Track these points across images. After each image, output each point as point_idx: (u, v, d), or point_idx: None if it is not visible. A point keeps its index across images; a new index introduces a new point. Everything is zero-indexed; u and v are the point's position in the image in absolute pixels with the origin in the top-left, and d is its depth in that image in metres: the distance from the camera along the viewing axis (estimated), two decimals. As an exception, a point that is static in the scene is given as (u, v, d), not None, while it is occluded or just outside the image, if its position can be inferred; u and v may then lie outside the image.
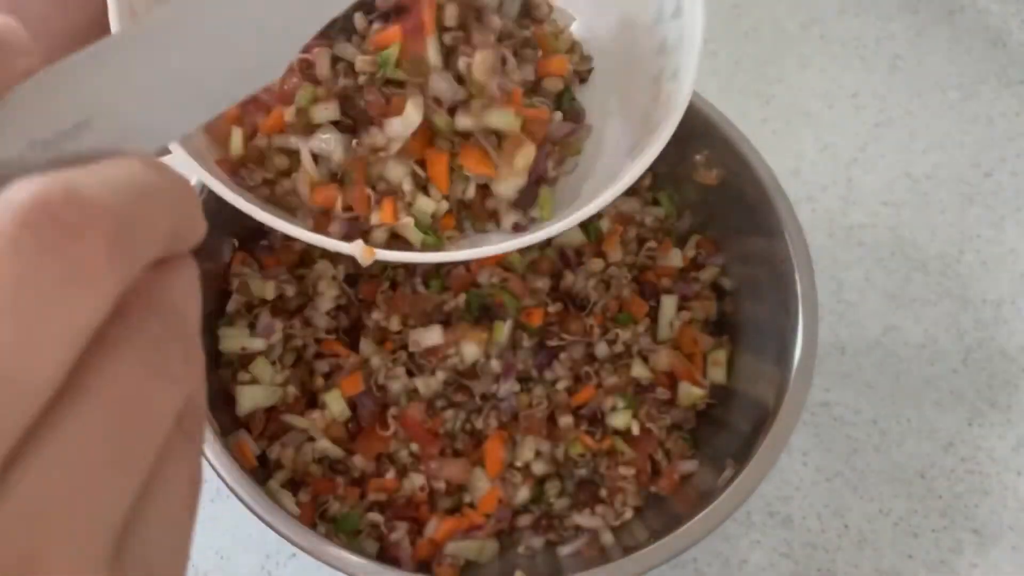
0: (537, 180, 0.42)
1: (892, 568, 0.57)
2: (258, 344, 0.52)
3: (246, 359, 0.52)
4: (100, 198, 0.16)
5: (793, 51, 0.74)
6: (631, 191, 0.59)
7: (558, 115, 0.43)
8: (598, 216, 0.57)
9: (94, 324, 0.16)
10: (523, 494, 0.52)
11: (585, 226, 0.57)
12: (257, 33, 0.22)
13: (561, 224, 0.38)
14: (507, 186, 0.41)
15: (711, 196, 0.55)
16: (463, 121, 0.39)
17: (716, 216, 0.57)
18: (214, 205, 0.36)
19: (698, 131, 0.53)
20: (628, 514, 0.52)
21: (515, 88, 0.40)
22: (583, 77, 0.46)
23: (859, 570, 0.56)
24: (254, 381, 0.51)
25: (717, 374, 0.55)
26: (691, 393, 0.54)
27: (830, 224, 0.67)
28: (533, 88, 0.44)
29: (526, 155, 0.40)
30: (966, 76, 0.73)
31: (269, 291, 0.53)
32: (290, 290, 0.54)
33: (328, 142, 0.39)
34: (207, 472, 0.44)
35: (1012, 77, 0.73)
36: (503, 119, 0.39)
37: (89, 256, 0.15)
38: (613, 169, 0.42)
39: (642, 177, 0.60)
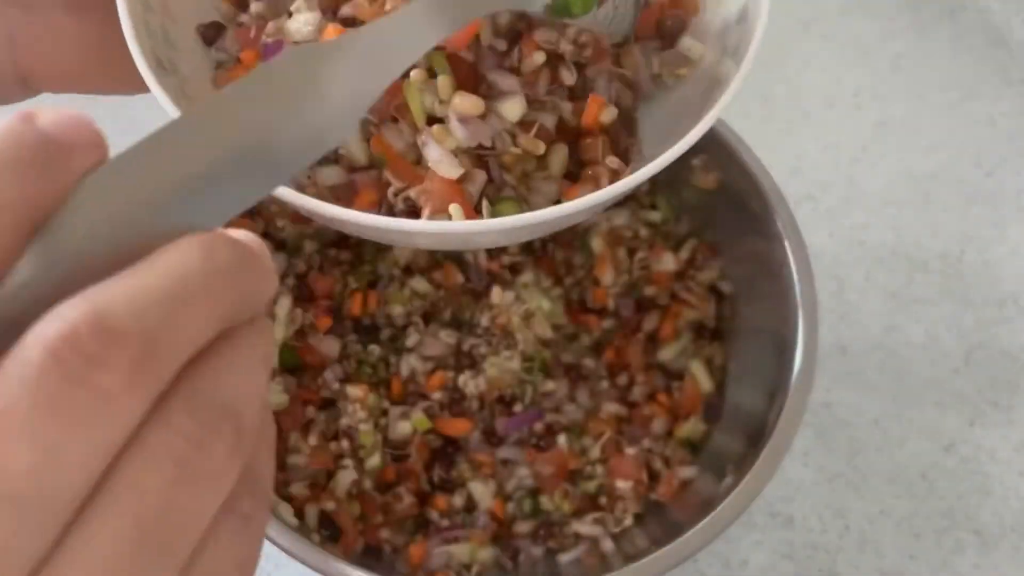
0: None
1: (894, 569, 0.56)
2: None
3: None
4: (125, 324, 0.16)
5: (793, 51, 0.74)
6: (624, 200, 0.59)
7: None
8: (591, 231, 0.58)
9: (119, 441, 0.16)
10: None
11: (581, 241, 0.57)
12: (321, 104, 0.21)
13: (663, 158, 0.31)
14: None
15: (709, 200, 0.55)
16: None
17: (714, 220, 0.56)
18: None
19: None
20: (628, 521, 0.52)
21: None
22: None
23: (860, 571, 0.56)
24: None
25: (704, 382, 0.55)
26: (692, 428, 0.54)
27: (831, 224, 0.67)
28: None
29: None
30: (968, 75, 0.73)
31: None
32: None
33: None
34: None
35: (1014, 76, 0.73)
36: None
37: (112, 382, 0.16)
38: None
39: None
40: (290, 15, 0.34)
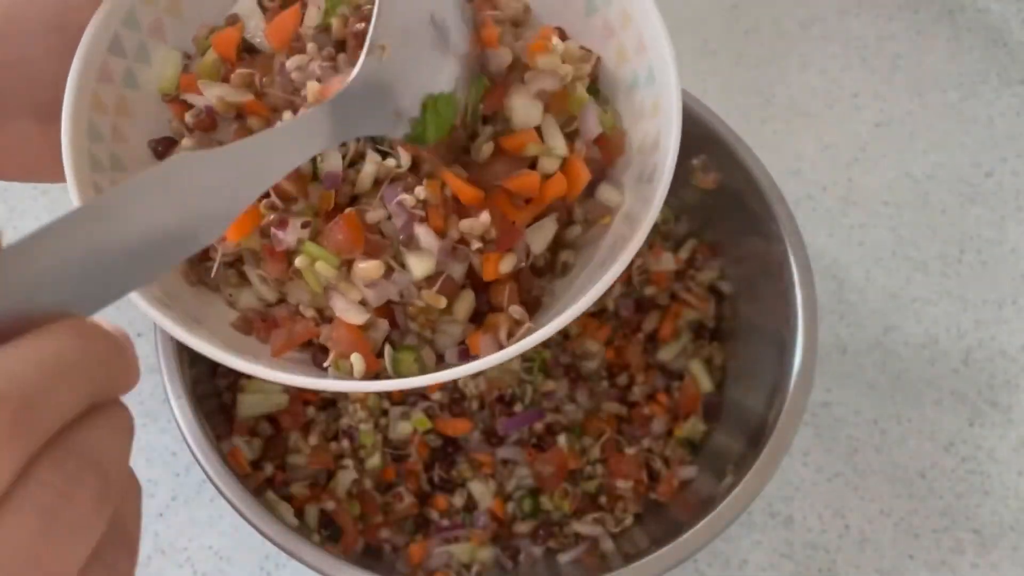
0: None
1: (893, 568, 0.57)
2: None
3: None
4: (7, 384, 0.18)
5: (793, 51, 0.74)
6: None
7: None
8: None
9: None
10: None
11: None
12: (196, 206, 0.24)
13: (566, 315, 0.32)
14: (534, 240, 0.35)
15: (709, 200, 0.55)
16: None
17: (714, 220, 0.57)
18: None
19: (695, 135, 0.53)
20: (628, 521, 0.52)
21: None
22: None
23: (860, 570, 0.56)
24: (257, 390, 0.52)
25: (704, 382, 0.55)
26: (692, 427, 0.54)
27: (830, 224, 0.67)
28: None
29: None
30: (966, 76, 0.73)
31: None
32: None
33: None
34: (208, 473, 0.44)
35: (1013, 76, 0.73)
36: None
37: None
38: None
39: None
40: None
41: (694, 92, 0.53)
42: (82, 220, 0.22)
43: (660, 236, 0.59)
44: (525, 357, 0.56)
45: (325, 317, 0.34)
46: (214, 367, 0.53)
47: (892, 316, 0.64)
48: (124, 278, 0.23)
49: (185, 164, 0.25)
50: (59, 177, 0.36)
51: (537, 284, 0.37)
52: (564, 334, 0.57)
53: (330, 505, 0.51)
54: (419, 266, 0.33)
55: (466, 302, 0.35)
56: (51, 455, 0.19)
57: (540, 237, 0.36)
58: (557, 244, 0.37)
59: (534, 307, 0.36)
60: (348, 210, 0.33)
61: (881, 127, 0.71)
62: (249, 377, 0.52)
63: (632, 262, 0.57)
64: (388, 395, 0.55)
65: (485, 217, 0.33)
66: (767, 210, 0.50)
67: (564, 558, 0.51)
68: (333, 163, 0.34)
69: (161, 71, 0.36)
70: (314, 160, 0.34)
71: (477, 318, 0.35)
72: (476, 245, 0.34)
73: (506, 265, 0.34)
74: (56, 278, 0.21)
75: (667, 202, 0.59)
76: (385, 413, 0.55)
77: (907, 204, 0.68)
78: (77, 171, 0.33)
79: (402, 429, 0.54)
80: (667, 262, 0.57)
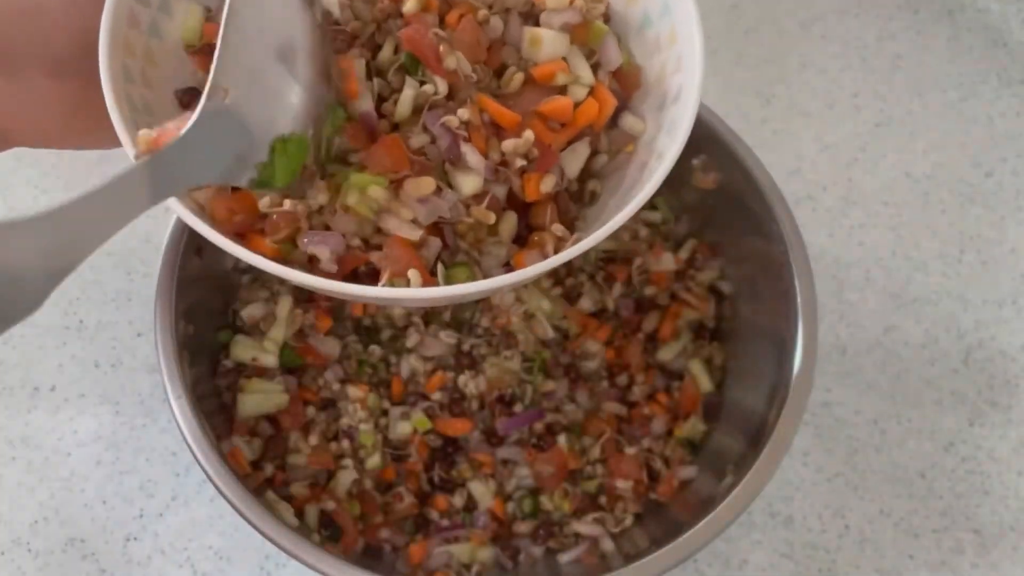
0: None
1: (893, 568, 0.57)
2: (270, 360, 0.52)
3: (253, 370, 0.52)
4: None
5: (793, 51, 0.74)
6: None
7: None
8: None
9: None
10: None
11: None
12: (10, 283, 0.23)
13: (603, 230, 0.33)
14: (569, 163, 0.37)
15: (709, 200, 0.55)
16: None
17: (714, 220, 0.57)
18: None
19: (695, 135, 0.53)
20: (628, 521, 0.52)
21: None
22: None
23: (860, 570, 0.56)
24: (257, 390, 0.52)
25: (704, 382, 0.55)
26: (692, 427, 0.55)
27: (830, 224, 0.67)
28: None
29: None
30: (966, 76, 0.73)
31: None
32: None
33: None
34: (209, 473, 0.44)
35: (1012, 76, 0.73)
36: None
37: None
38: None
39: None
40: None
41: (694, 92, 0.53)
42: None
43: (660, 236, 0.59)
44: (525, 357, 0.56)
45: (371, 246, 0.34)
46: (214, 367, 0.52)
47: (892, 316, 0.64)
48: None
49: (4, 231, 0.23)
50: (76, 141, 0.36)
51: (573, 208, 0.38)
52: (564, 334, 0.57)
53: (330, 505, 0.51)
54: (467, 183, 0.34)
55: (510, 223, 0.36)
56: None
57: (574, 160, 0.37)
58: (584, 175, 0.39)
59: (570, 230, 0.37)
60: (390, 134, 0.34)
61: (881, 127, 0.71)
62: (249, 377, 0.52)
63: (632, 262, 0.57)
64: (388, 395, 0.55)
65: (529, 135, 0.34)
66: (767, 210, 0.50)
67: (564, 558, 0.51)
68: (365, 104, 0.34)
69: (183, 22, 0.36)
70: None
71: (519, 242, 0.37)
72: (519, 163, 0.35)
73: (547, 184, 0.36)
74: None
75: (667, 202, 0.60)
76: (385, 413, 0.55)
77: (907, 204, 0.68)
78: (118, 104, 0.32)
79: (402, 429, 0.54)
80: (667, 262, 0.57)
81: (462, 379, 0.55)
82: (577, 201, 0.39)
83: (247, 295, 0.54)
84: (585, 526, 0.52)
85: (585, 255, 0.58)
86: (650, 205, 0.60)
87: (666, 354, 0.57)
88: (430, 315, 0.56)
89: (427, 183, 0.33)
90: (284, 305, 0.53)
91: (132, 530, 0.56)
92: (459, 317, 0.57)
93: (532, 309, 0.56)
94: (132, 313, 0.62)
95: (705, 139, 0.53)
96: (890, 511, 0.58)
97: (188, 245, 0.49)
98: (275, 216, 0.34)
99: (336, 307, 0.56)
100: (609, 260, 0.59)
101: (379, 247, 0.34)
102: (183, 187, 0.30)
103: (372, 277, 0.34)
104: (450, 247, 0.36)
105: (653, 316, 0.58)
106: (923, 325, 0.64)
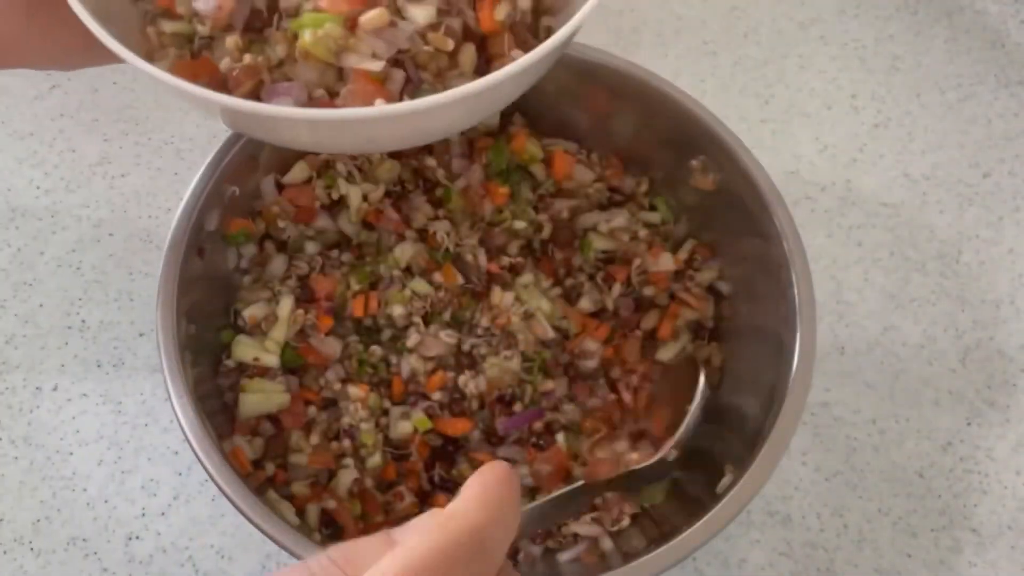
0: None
1: (891, 567, 0.57)
2: (271, 360, 0.52)
3: (254, 370, 0.52)
4: None
5: (792, 51, 0.75)
6: (623, 202, 0.59)
7: None
8: (590, 233, 0.58)
9: None
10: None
11: (581, 242, 0.58)
12: None
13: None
14: None
15: (708, 200, 0.55)
16: None
17: (713, 221, 0.57)
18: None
19: (694, 136, 0.54)
20: (625, 521, 0.52)
21: None
22: None
23: (858, 569, 0.57)
24: (258, 390, 0.52)
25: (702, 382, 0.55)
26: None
27: (829, 224, 0.67)
28: None
29: None
30: (965, 77, 0.74)
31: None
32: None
33: None
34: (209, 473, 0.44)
35: (1010, 77, 0.74)
36: None
37: None
38: None
39: (638, 182, 0.60)
40: None
41: (694, 92, 0.54)
42: None
43: (659, 237, 0.59)
44: (525, 357, 0.56)
45: (333, 93, 0.35)
46: (216, 367, 0.53)
47: (890, 316, 0.64)
48: None
49: None
50: (31, 58, 0.36)
51: (531, 39, 0.38)
52: (564, 334, 0.58)
53: (331, 504, 0.51)
54: (421, 14, 0.34)
55: (469, 53, 0.36)
56: None
57: None
58: (537, 11, 0.39)
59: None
60: None
61: (879, 128, 0.71)
62: (251, 377, 0.52)
63: (631, 262, 0.57)
64: (389, 395, 0.55)
65: None
66: (766, 211, 0.51)
67: (563, 557, 0.51)
68: None
69: None
70: None
71: (481, 74, 0.36)
72: None
73: (500, 12, 0.36)
74: None
75: (666, 202, 0.60)
76: (386, 413, 0.55)
77: (905, 204, 0.68)
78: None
79: (402, 429, 0.54)
80: (666, 262, 0.57)
81: (462, 379, 0.55)
82: (533, 37, 0.39)
83: (248, 295, 0.55)
84: (583, 527, 0.52)
85: (584, 256, 0.58)
86: (650, 206, 0.60)
87: (665, 354, 0.57)
88: (430, 315, 0.57)
89: (380, 14, 0.33)
90: (285, 305, 0.54)
91: (134, 529, 0.56)
92: (459, 317, 0.57)
93: (532, 309, 0.56)
94: (134, 313, 0.62)
95: (704, 140, 0.53)
96: (888, 510, 0.58)
97: (190, 245, 0.49)
98: (236, 72, 0.34)
99: (337, 307, 0.56)
100: (608, 261, 0.59)
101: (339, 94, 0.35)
102: None
103: None
104: (413, 80, 0.36)
105: (652, 316, 0.58)
106: (921, 325, 0.64)
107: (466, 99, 0.32)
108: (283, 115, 0.31)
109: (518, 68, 0.33)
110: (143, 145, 0.67)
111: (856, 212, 0.68)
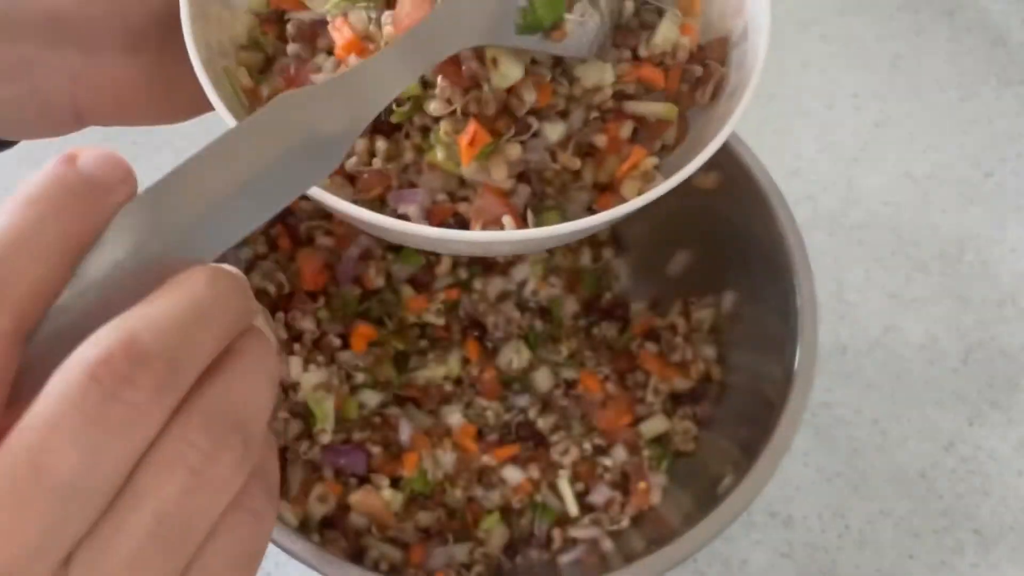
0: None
1: (893, 568, 0.57)
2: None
3: None
4: (151, 348, 0.20)
5: (793, 51, 0.74)
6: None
7: None
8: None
9: (143, 447, 0.20)
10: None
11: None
12: (311, 136, 0.25)
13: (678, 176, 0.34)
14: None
15: (709, 200, 0.55)
16: None
17: (714, 221, 0.56)
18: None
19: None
20: (625, 522, 0.52)
21: None
22: None
23: (860, 570, 0.56)
24: None
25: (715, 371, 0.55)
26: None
27: (830, 224, 0.67)
28: None
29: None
30: (966, 76, 0.73)
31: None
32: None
33: None
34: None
35: (1012, 77, 0.73)
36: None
37: (140, 398, 0.20)
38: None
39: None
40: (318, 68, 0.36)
41: (694, 92, 0.53)
42: (214, 157, 0.23)
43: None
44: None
45: (457, 198, 0.35)
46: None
47: (892, 316, 0.64)
48: (248, 216, 0.24)
49: (295, 97, 0.25)
50: (146, 117, 0.36)
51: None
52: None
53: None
54: (554, 131, 0.34)
55: (591, 168, 0.37)
56: (198, 412, 0.21)
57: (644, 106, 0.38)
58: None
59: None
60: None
61: (881, 127, 0.71)
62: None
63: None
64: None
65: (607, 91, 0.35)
66: (767, 210, 0.50)
67: (564, 558, 0.51)
68: None
69: None
70: None
71: (598, 187, 0.37)
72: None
73: (625, 130, 0.36)
74: (194, 220, 0.22)
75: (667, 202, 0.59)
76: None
77: (907, 204, 0.68)
78: (206, 70, 0.32)
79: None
80: (666, 262, 0.57)
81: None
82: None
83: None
84: (582, 530, 0.52)
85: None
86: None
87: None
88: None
89: (515, 148, 0.34)
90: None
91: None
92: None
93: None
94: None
95: (705, 139, 0.53)
96: (890, 511, 0.58)
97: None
98: (366, 175, 0.34)
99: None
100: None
101: (465, 199, 0.35)
102: (454, 49, 0.31)
103: (460, 228, 0.35)
104: (537, 195, 0.36)
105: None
106: (923, 325, 0.64)
107: (590, 227, 0.33)
108: (443, 237, 0.32)
109: (643, 201, 0.33)
110: (142, 145, 0.67)
111: (858, 211, 0.68)
